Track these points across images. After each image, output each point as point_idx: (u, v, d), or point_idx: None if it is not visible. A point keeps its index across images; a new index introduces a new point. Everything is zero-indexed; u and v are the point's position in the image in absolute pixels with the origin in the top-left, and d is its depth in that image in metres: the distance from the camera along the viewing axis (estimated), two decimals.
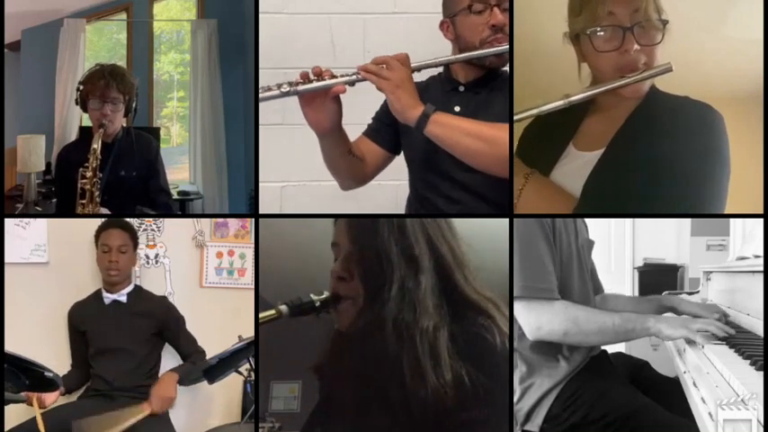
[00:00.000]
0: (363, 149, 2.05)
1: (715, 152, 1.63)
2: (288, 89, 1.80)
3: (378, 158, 2.08)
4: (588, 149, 1.77)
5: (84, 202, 2.26)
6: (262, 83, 1.86)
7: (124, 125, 2.45)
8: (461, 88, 1.95)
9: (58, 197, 2.52)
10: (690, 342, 1.65)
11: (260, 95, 1.82)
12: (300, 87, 1.81)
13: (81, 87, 2.38)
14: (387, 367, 1.28)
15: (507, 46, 1.86)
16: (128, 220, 2.52)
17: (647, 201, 1.62)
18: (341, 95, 1.84)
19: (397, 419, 1.26)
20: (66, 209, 2.33)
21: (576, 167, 1.76)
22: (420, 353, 1.27)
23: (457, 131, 1.78)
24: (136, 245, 2.55)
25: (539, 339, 1.68)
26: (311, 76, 1.81)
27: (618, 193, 1.65)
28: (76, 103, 2.41)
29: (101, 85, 2.34)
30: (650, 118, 1.70)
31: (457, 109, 1.92)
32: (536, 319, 1.65)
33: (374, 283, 1.34)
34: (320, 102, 1.84)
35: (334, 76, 1.82)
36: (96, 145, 2.26)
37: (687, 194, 1.61)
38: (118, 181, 2.36)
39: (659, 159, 1.62)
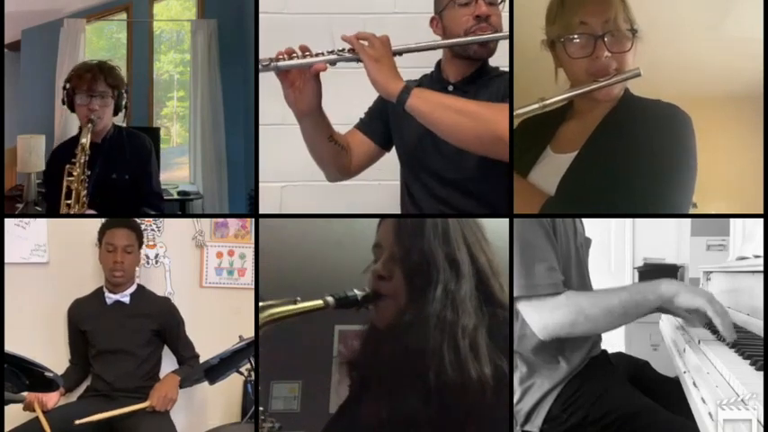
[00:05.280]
0: (352, 141, 2.07)
1: (681, 149, 1.68)
2: (268, 63, 1.81)
3: (365, 149, 2.09)
4: (564, 151, 1.82)
5: (69, 202, 2.14)
6: (262, 85, 1.87)
7: (116, 124, 2.35)
8: (450, 87, 1.98)
9: (47, 197, 2.39)
10: (690, 342, 1.64)
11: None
12: (281, 63, 1.82)
13: (67, 85, 2.26)
14: (426, 359, 1.36)
15: (497, 34, 1.89)
16: (133, 219, 2.49)
17: (618, 198, 1.66)
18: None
19: (431, 406, 1.33)
20: (55, 209, 2.22)
21: (552, 169, 1.80)
22: (461, 348, 1.36)
23: (439, 106, 1.79)
24: (141, 244, 2.52)
25: (550, 337, 1.63)
26: (284, 56, 1.82)
27: (590, 191, 1.69)
28: (63, 103, 2.27)
29: (87, 78, 2.22)
30: (622, 119, 1.76)
31: None
32: (540, 318, 1.62)
33: (418, 283, 1.42)
34: (301, 82, 1.85)
35: (314, 56, 1.83)
36: (84, 140, 2.15)
37: (654, 191, 1.66)
38: (107, 183, 2.25)
39: (629, 158, 1.68)
